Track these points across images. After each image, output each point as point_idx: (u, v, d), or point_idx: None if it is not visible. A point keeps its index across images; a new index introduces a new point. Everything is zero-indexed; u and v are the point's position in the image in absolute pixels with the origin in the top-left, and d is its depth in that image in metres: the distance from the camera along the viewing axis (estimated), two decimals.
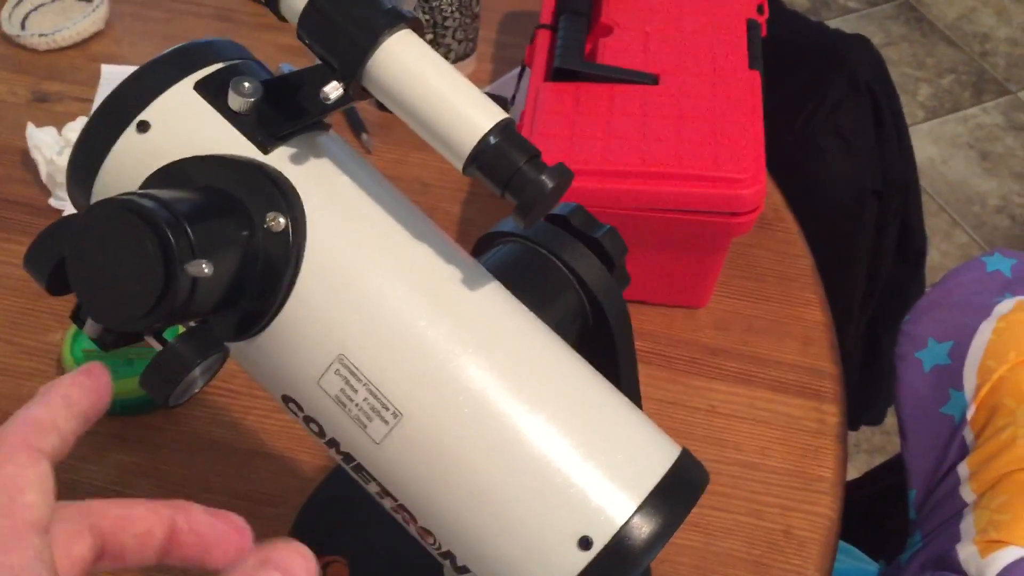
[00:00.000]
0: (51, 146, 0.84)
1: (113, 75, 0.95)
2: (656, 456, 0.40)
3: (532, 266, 0.45)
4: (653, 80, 0.76)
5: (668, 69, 0.77)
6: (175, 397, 0.38)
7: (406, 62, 0.38)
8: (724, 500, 0.69)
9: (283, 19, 0.40)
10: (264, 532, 0.65)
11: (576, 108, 0.74)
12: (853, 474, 0.97)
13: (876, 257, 1.01)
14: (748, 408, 0.74)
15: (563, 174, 0.38)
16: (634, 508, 0.39)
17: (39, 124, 0.86)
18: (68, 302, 0.74)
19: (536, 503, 0.38)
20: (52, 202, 0.84)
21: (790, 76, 0.95)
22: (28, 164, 0.87)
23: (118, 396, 0.70)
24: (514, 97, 0.92)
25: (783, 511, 0.68)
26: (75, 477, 0.68)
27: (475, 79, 0.97)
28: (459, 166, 0.38)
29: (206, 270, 0.35)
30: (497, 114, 0.38)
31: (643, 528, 0.38)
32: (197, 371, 0.38)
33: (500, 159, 0.38)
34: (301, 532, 0.61)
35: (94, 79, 0.95)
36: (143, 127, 0.41)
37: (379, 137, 0.91)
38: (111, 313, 0.36)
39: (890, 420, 1.55)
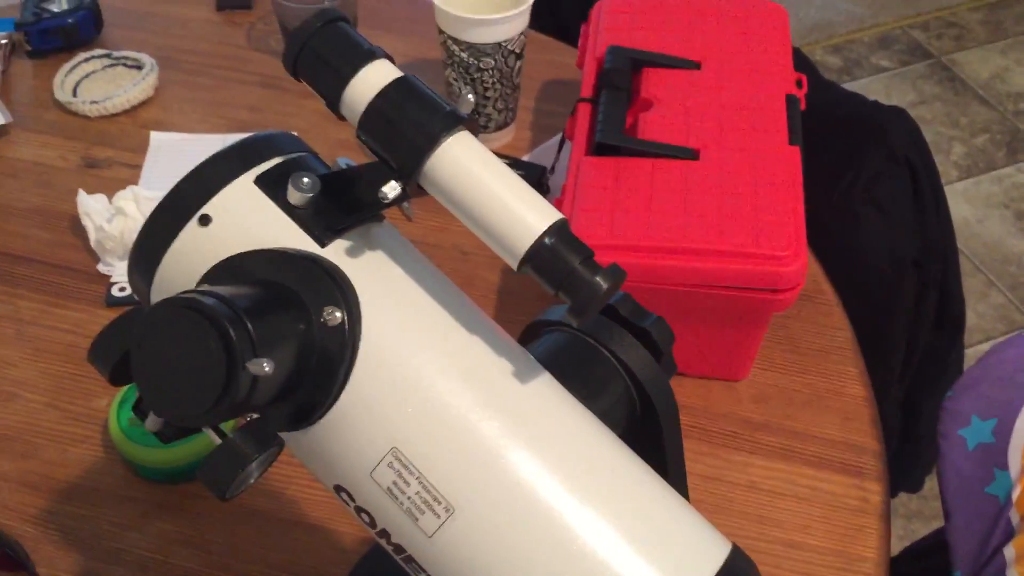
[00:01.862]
0: (101, 213, 0.85)
1: (162, 141, 0.98)
2: (708, 553, 0.40)
3: (581, 356, 0.46)
4: (693, 155, 0.77)
5: (708, 144, 0.77)
6: (232, 490, 0.38)
7: (464, 163, 0.39)
8: None
9: (341, 118, 0.42)
10: None
11: (617, 182, 0.75)
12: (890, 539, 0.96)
13: (915, 325, 1.00)
14: (788, 484, 0.73)
15: (616, 275, 0.38)
16: None
17: (89, 190, 0.88)
18: None
19: None
20: (100, 267, 0.86)
21: (827, 146, 0.96)
22: (78, 230, 0.89)
23: (162, 465, 0.71)
24: (554, 167, 0.93)
25: None
26: (117, 545, 0.69)
27: (514, 147, 0.99)
28: (514, 265, 0.39)
29: (267, 369, 0.36)
30: (552, 215, 0.39)
31: None
32: (253, 465, 0.38)
33: (555, 260, 0.38)
34: None
35: (143, 145, 0.97)
36: (204, 220, 0.42)
37: (419, 205, 0.92)
38: (172, 408, 0.37)
39: (928, 483, 1.53)
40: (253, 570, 0.68)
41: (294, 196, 0.42)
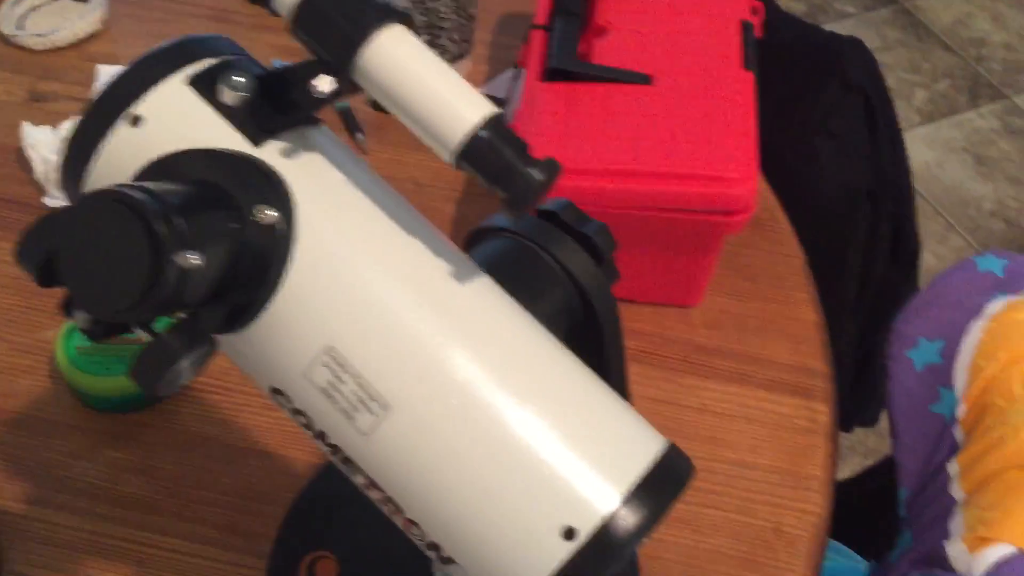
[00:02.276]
0: (46, 145, 0.84)
1: (109, 75, 0.95)
2: (642, 449, 0.41)
3: (522, 261, 0.46)
4: (646, 80, 0.76)
5: (662, 69, 0.77)
6: (163, 388, 0.38)
7: (397, 56, 0.38)
8: (715, 498, 0.69)
9: (275, 14, 0.41)
10: (255, 529, 0.66)
11: (570, 108, 0.74)
12: (847, 476, 0.97)
13: (869, 259, 1.01)
14: (740, 407, 0.74)
15: (552, 168, 0.38)
16: (619, 500, 0.39)
17: (35, 123, 0.86)
18: (58, 301, 0.74)
19: (521, 494, 0.39)
20: (47, 200, 0.85)
21: (785, 79, 0.95)
22: (23, 163, 0.87)
23: (110, 393, 0.70)
24: (510, 98, 0.92)
25: (773, 509, 0.69)
26: (66, 474, 0.68)
27: (470, 80, 0.97)
28: (449, 160, 0.39)
29: (195, 261, 0.36)
30: (487, 108, 0.38)
31: (627, 519, 0.39)
32: (185, 363, 0.38)
33: (490, 153, 0.38)
34: (291, 528, 0.62)
35: (90, 79, 0.95)
36: (136, 121, 0.41)
37: (374, 137, 0.91)
38: (100, 303, 0.36)
39: (885, 424, 1.56)
40: (204, 496, 0.68)
41: (227, 96, 0.41)
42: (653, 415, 0.73)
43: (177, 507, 0.67)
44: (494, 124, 0.38)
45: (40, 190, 0.85)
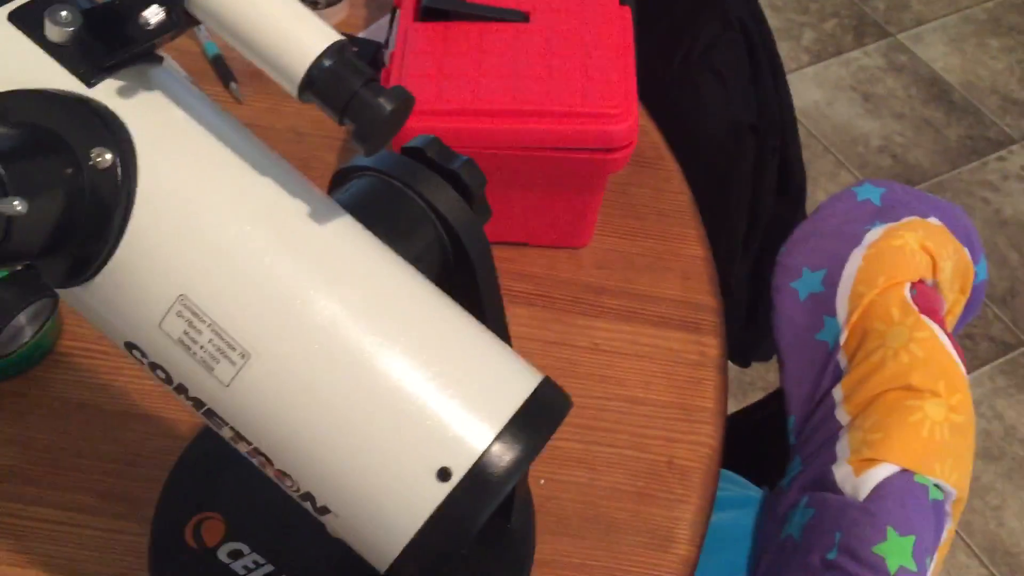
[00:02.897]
0: None
1: None
2: (516, 385, 0.40)
3: (387, 199, 0.44)
4: (524, 18, 0.75)
5: (538, 7, 0.76)
6: (1, 346, 0.36)
7: None
8: (609, 435, 0.69)
9: None
10: (137, 494, 0.64)
11: (446, 48, 0.73)
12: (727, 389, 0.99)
13: (757, 194, 1.02)
14: (631, 344, 0.74)
15: (401, 97, 0.37)
16: (492, 437, 0.38)
17: None
18: None
19: (392, 437, 0.38)
20: None
21: (665, 16, 0.95)
22: None
23: None
24: (388, 42, 0.89)
25: (666, 443, 0.69)
26: None
27: (347, 25, 0.95)
28: (294, 92, 0.37)
29: (19, 208, 0.33)
30: (331, 36, 0.36)
31: (503, 456, 0.38)
32: (23, 318, 0.36)
33: (335, 83, 0.36)
34: (173, 491, 0.60)
35: None
36: None
37: (251, 86, 0.88)
38: None
39: None
40: (82, 463, 0.65)
41: (52, 31, 0.38)
42: (545, 356, 0.74)
43: (53, 477, 0.64)
44: (338, 52, 0.36)
45: None
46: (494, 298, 0.47)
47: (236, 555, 0.57)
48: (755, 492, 0.79)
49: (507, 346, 0.42)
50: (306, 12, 0.37)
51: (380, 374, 0.38)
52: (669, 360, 0.74)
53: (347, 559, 0.56)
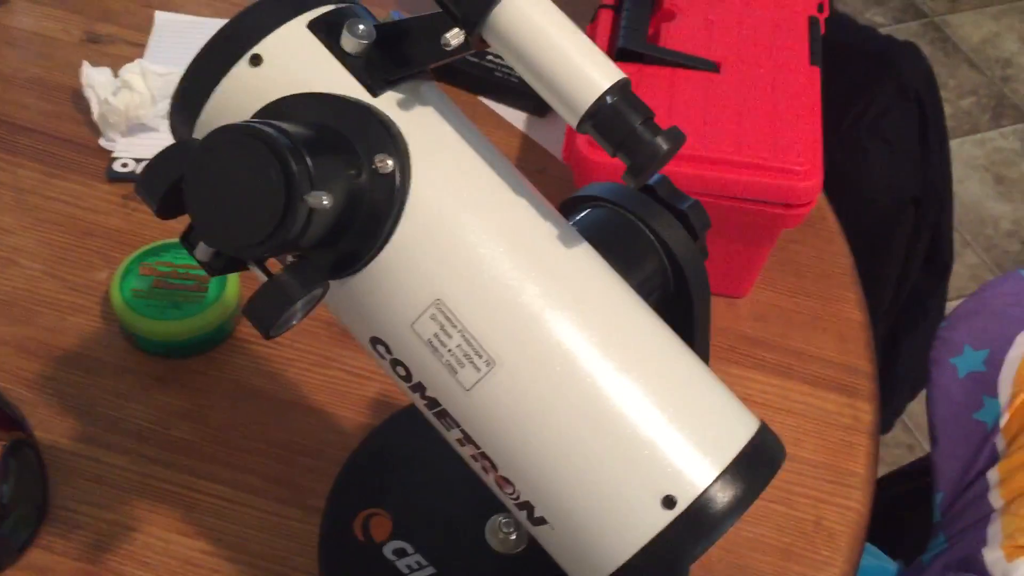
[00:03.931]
0: (105, 86, 0.83)
1: (167, 22, 0.95)
2: (737, 427, 0.41)
3: (620, 231, 0.46)
4: (714, 68, 0.77)
5: (729, 58, 0.77)
6: (276, 329, 0.38)
7: (530, 15, 0.38)
8: None
9: None
10: (302, 482, 0.66)
11: (638, 91, 0.74)
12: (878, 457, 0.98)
13: (906, 264, 1.02)
14: (783, 400, 0.75)
15: (676, 138, 0.38)
16: (715, 475, 0.39)
17: (92, 65, 0.86)
18: (112, 243, 0.74)
19: (622, 459, 0.39)
20: (102, 142, 0.84)
21: (838, 77, 0.96)
22: (79, 103, 0.87)
23: (163, 337, 0.70)
24: None
25: (815, 502, 0.69)
26: (116, 414, 0.68)
27: None
28: (574, 123, 0.39)
29: (325, 202, 0.36)
30: (615, 74, 0.39)
31: (724, 495, 0.39)
32: (299, 304, 0.38)
33: (616, 119, 0.38)
34: (346, 484, 0.62)
35: (147, 24, 0.95)
36: (255, 60, 0.41)
37: None
38: (226, 238, 0.37)
39: (897, 431, 1.57)
40: (252, 446, 0.68)
41: (349, 43, 0.41)
42: None
43: (225, 455, 0.67)
44: (621, 90, 0.38)
45: (96, 131, 0.85)
46: (705, 335, 0.48)
47: (400, 553, 0.59)
48: (891, 564, 0.79)
49: (727, 387, 0.43)
50: (594, 49, 0.39)
51: (616, 398, 0.40)
52: (822, 420, 0.74)
53: (507, 570, 0.58)
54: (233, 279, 0.73)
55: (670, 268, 0.46)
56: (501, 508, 0.58)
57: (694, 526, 0.39)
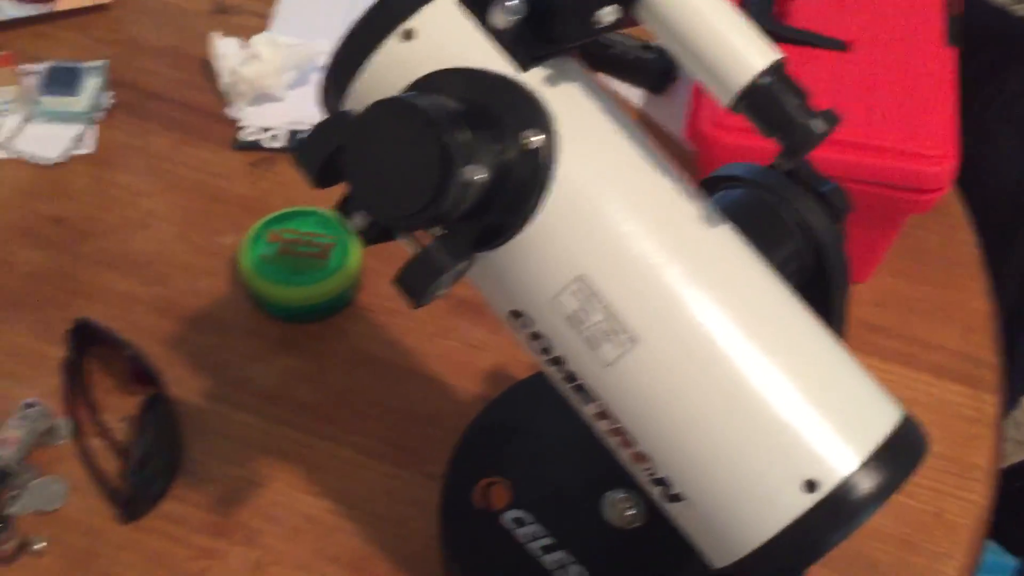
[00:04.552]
0: (234, 56, 0.86)
1: None
2: (882, 415, 0.41)
3: (760, 211, 0.46)
4: (843, 47, 0.75)
5: (860, 38, 0.75)
6: (425, 298, 0.39)
7: None
8: None
9: None
10: (420, 449, 0.68)
11: None
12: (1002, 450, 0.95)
13: None
14: (904, 388, 0.73)
15: (832, 120, 0.38)
16: (859, 463, 0.39)
17: (220, 36, 0.88)
18: (239, 209, 0.75)
19: (764, 441, 0.39)
20: (228, 111, 0.87)
21: (968, 59, 0.92)
22: (207, 72, 0.89)
23: (289, 302, 0.73)
24: None
25: (936, 494, 0.68)
26: (244, 374, 0.71)
27: (644, 32, 0.96)
28: (727, 102, 0.39)
29: (479, 176, 0.36)
30: (772, 54, 0.38)
31: (866, 483, 0.39)
32: (446, 276, 0.39)
33: (771, 100, 0.38)
34: (466, 452, 0.63)
35: None
36: (408, 35, 0.42)
37: None
38: (384, 207, 0.37)
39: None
40: (371, 411, 0.70)
41: (499, 19, 0.41)
42: None
43: (346, 418, 0.69)
44: (778, 70, 0.38)
45: (223, 100, 0.88)
46: (842, 319, 0.47)
47: (519, 522, 0.60)
48: (1010, 561, 0.77)
49: (870, 374, 0.43)
50: (751, 28, 0.39)
51: (758, 378, 0.39)
52: (944, 411, 0.72)
53: (624, 545, 0.58)
54: (355, 249, 0.75)
55: (810, 250, 0.45)
56: (619, 483, 0.59)
57: (834, 512, 0.38)
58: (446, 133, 0.36)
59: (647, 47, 0.91)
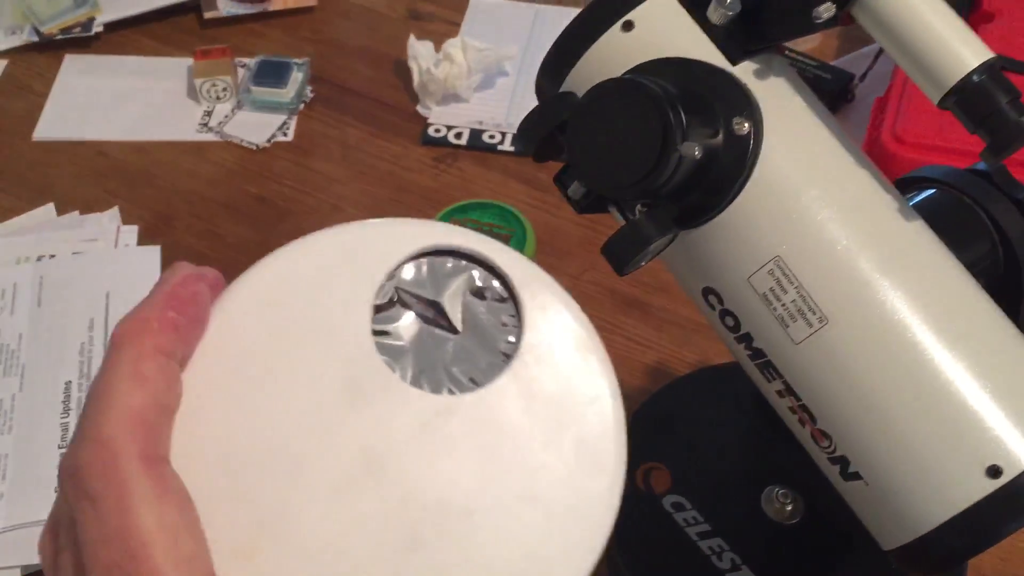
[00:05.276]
0: (428, 58, 0.92)
1: (481, 4, 1.03)
2: None
3: (953, 211, 0.47)
4: None
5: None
6: (630, 266, 0.42)
7: None
8: None
9: None
10: None
11: None
12: None
13: None
14: None
15: None
16: None
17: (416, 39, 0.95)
18: (422, 199, 0.80)
19: (948, 424, 0.40)
20: (419, 108, 0.93)
21: None
22: (400, 72, 0.96)
23: None
24: (865, 75, 0.92)
25: None
26: None
27: (819, 52, 0.98)
28: (936, 98, 0.40)
29: (696, 153, 0.39)
30: (985, 53, 0.40)
31: None
32: (652, 247, 0.42)
33: (981, 96, 0.39)
34: (631, 437, 0.66)
35: (463, 5, 1.03)
36: (628, 26, 0.45)
37: None
38: (601, 179, 0.41)
39: None
40: None
41: (715, 14, 0.44)
42: None
43: None
44: (990, 69, 0.40)
45: (414, 98, 0.94)
46: None
47: (678, 507, 0.62)
48: None
49: None
50: (964, 27, 0.40)
51: (944, 365, 0.41)
52: None
53: (780, 538, 0.60)
54: (531, 240, 0.79)
55: (1002, 254, 0.46)
56: (778, 479, 0.60)
57: (1015, 500, 0.39)
58: (668, 111, 0.39)
59: (824, 66, 0.92)
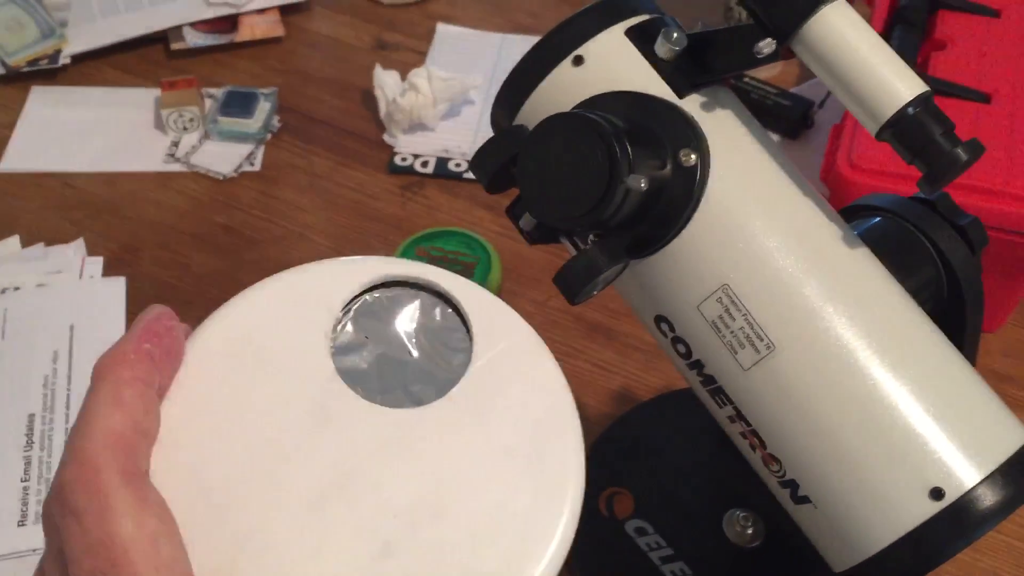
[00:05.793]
0: (394, 87, 0.93)
1: (447, 34, 1.04)
2: (1008, 434, 0.42)
3: (898, 239, 0.48)
4: (985, 99, 0.76)
5: (1001, 90, 0.77)
6: (581, 295, 0.43)
7: (841, 29, 0.42)
8: None
9: None
10: None
11: None
12: None
13: None
14: None
15: (976, 149, 0.40)
16: (981, 477, 0.41)
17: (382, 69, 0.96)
18: (389, 228, 0.81)
19: (893, 447, 0.41)
20: (386, 138, 0.94)
21: None
22: (367, 102, 0.96)
23: None
24: (823, 102, 0.94)
25: None
26: None
27: (779, 80, 1.00)
28: (874, 130, 0.42)
29: (643, 185, 0.40)
30: (919, 87, 0.41)
31: (990, 495, 0.40)
32: (601, 277, 0.43)
33: (916, 128, 0.41)
34: (594, 462, 0.66)
35: (428, 35, 1.04)
36: (578, 61, 0.46)
37: None
38: (550, 211, 0.42)
39: None
40: None
41: (662, 49, 0.45)
42: None
43: None
44: (924, 102, 0.41)
45: (381, 127, 0.94)
46: (974, 348, 0.49)
47: (641, 532, 0.62)
48: None
49: (997, 397, 0.44)
50: (900, 62, 0.42)
51: (888, 389, 0.42)
52: None
53: (741, 562, 0.60)
54: (497, 267, 0.79)
55: (946, 280, 0.48)
56: (739, 502, 0.61)
57: (958, 521, 0.40)
58: (614, 144, 0.40)
59: (785, 93, 0.94)
